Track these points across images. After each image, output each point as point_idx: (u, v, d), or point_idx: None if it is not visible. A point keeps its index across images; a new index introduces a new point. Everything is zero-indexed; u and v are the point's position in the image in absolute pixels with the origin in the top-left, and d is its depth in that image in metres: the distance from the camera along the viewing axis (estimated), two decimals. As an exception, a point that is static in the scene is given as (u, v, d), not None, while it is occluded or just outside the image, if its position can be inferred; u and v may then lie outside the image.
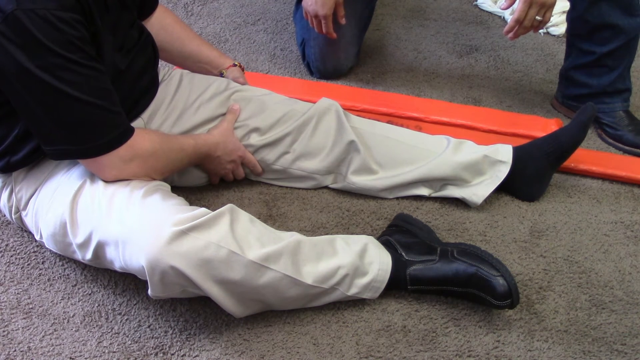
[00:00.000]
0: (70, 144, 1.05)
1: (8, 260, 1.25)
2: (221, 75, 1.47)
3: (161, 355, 1.10)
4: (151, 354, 1.10)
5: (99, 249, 1.08)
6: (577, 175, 1.53)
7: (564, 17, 1.87)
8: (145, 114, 1.30)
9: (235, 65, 1.49)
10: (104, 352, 1.10)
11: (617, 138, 1.63)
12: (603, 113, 1.65)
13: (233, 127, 1.35)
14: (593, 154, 1.57)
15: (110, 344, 1.12)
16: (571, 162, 1.50)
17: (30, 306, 1.17)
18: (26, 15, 0.94)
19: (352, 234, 1.31)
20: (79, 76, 1.01)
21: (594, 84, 1.65)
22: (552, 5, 1.46)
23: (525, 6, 1.44)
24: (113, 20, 1.13)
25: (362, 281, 1.15)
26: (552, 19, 2.09)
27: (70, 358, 1.09)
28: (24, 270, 1.23)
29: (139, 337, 1.13)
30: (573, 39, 1.67)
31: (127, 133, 1.09)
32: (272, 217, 1.37)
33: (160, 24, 1.40)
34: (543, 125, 1.60)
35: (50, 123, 1.04)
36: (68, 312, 1.17)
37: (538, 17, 1.46)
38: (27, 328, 1.14)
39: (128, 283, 1.21)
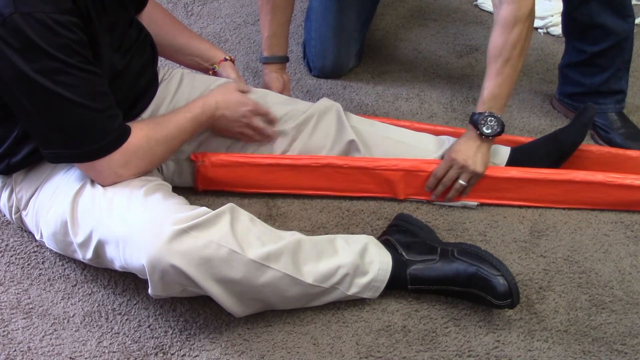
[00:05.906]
0: (67, 148, 1.05)
1: (8, 260, 1.25)
2: (213, 69, 1.46)
3: (161, 355, 1.10)
4: (151, 354, 1.10)
5: (100, 248, 1.08)
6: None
7: (563, 16, 1.87)
8: (146, 114, 1.30)
9: (227, 59, 1.48)
10: (104, 352, 1.10)
11: (607, 140, 1.62)
12: (596, 114, 1.63)
13: (235, 86, 1.31)
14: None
15: (110, 344, 1.12)
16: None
17: (30, 306, 1.17)
18: (24, 19, 0.94)
19: (352, 234, 1.31)
20: (77, 80, 1.00)
21: (586, 83, 1.64)
22: (475, 174, 1.35)
23: (446, 164, 1.36)
24: (110, 20, 1.12)
25: (363, 281, 1.15)
26: (551, 19, 2.09)
27: (70, 358, 1.09)
28: (24, 270, 1.23)
29: (139, 337, 1.13)
30: (567, 36, 1.67)
31: (123, 137, 1.08)
32: (272, 217, 1.37)
33: (150, 18, 1.38)
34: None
35: (47, 126, 1.03)
36: (68, 312, 1.16)
37: (462, 182, 1.35)
38: (27, 328, 1.13)
39: (128, 283, 1.21)
